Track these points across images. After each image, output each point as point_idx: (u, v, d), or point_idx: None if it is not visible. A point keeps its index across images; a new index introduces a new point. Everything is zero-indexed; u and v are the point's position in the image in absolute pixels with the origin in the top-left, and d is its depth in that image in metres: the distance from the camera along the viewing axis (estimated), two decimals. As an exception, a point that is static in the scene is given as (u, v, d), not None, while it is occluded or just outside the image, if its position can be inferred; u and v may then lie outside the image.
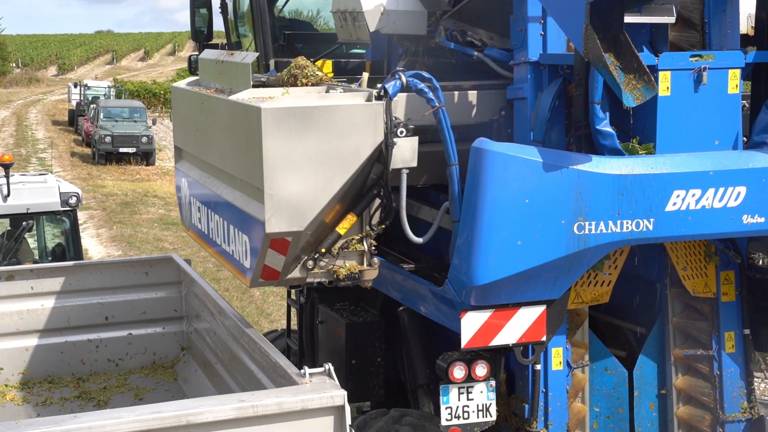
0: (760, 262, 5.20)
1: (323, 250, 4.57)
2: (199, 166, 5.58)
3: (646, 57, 4.50)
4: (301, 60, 4.85)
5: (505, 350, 4.74)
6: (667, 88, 4.61)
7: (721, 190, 4.55)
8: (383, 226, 4.66)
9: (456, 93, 5.00)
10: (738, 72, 4.70)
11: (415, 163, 4.56)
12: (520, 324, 4.61)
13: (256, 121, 4.31)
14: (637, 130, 4.70)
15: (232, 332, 5.75)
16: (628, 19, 4.44)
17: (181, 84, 5.91)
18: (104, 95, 38.39)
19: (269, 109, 4.31)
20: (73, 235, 9.12)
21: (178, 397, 6.48)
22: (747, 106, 5.09)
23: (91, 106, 33.21)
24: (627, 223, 4.46)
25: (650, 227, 4.49)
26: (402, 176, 4.54)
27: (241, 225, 4.84)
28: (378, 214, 4.63)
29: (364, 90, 4.56)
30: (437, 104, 4.51)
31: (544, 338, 4.67)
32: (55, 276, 6.83)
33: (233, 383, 5.70)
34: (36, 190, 8.73)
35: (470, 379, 4.78)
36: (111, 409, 4.92)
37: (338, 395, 4.04)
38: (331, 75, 7.12)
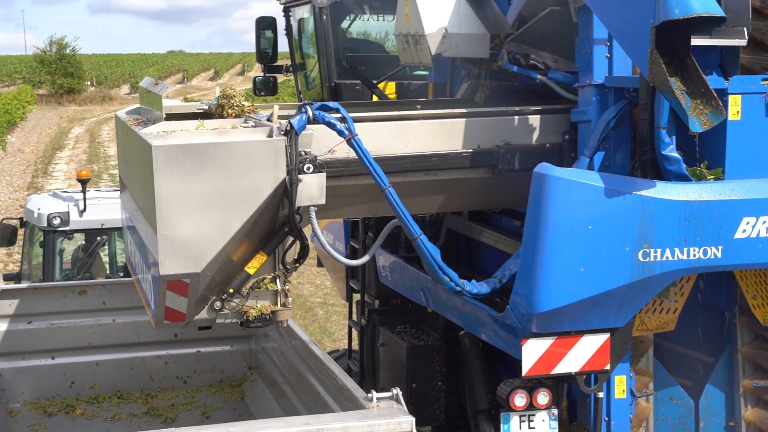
0: (835, 290, 5.02)
1: (231, 291, 4.38)
2: (132, 197, 5.34)
3: (714, 80, 4.41)
4: (229, 89, 4.68)
5: (567, 378, 4.67)
6: (738, 112, 4.50)
7: (793, 216, 4.42)
8: (297, 265, 4.49)
9: (516, 117, 4.97)
10: (811, 95, 4.56)
11: (323, 201, 4.30)
12: (582, 352, 4.53)
13: (149, 158, 4.09)
14: (705, 155, 4.60)
15: (299, 352, 5.77)
16: (697, 41, 4.34)
17: (122, 112, 5.63)
18: (175, 113, 38.99)
19: (161, 147, 4.07)
20: (143, 251, 9.27)
21: (245, 417, 6.55)
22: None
23: (163, 123, 33.78)
24: (694, 250, 4.36)
25: (719, 255, 4.38)
26: (311, 214, 4.32)
27: (147, 263, 4.65)
28: (292, 252, 4.45)
29: (267, 125, 4.28)
30: (347, 135, 4.37)
31: (607, 367, 4.58)
32: (126, 291, 6.96)
33: (300, 404, 5.72)
34: (110, 206, 8.90)
35: (532, 407, 4.71)
36: (178, 427, 4.99)
37: (406, 421, 4.02)
38: (394, 97, 7.17)
